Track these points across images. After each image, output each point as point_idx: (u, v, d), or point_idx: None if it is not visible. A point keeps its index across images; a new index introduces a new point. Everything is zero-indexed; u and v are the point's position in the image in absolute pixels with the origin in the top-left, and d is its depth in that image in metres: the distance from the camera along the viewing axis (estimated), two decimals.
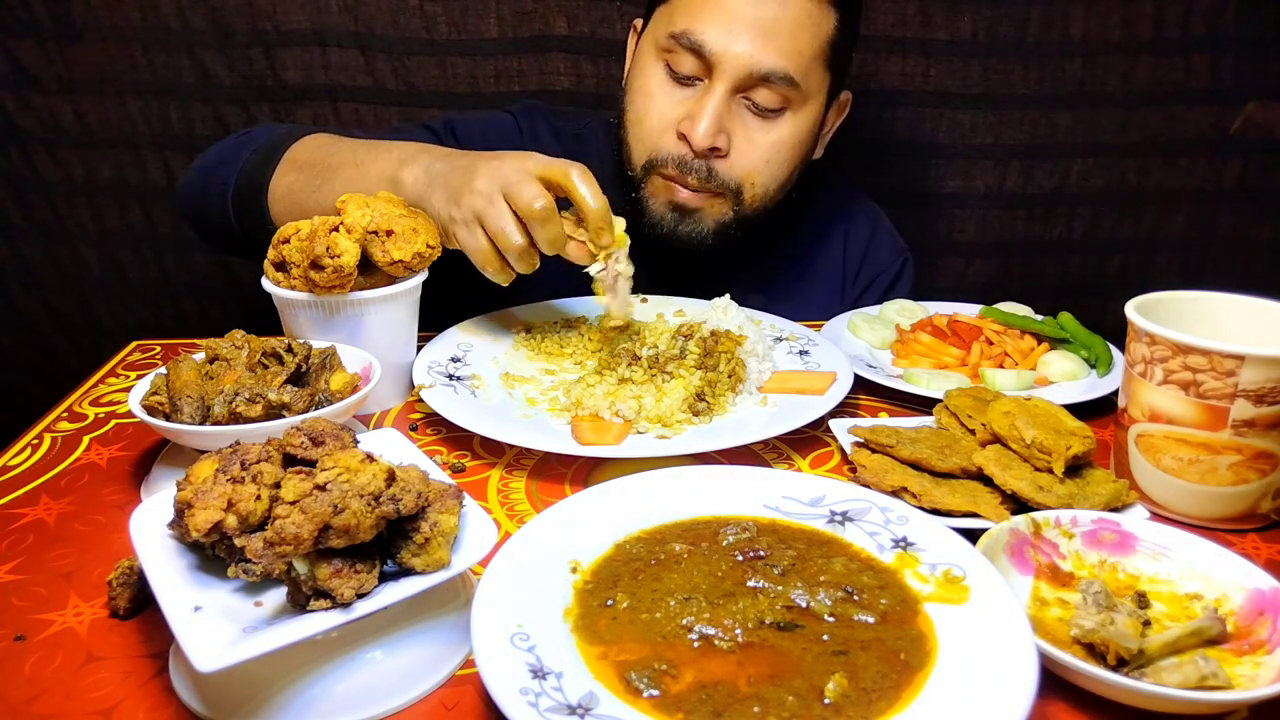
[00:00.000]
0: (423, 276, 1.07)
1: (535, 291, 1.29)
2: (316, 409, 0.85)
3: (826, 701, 0.57)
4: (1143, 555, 0.77)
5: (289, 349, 0.91)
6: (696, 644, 0.63)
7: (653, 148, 1.30)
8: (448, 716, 0.63)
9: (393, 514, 0.59)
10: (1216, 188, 1.91)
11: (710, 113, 1.24)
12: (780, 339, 1.23)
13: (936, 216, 1.94)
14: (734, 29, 1.22)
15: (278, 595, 0.63)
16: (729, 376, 1.06)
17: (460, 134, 1.42)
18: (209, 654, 0.53)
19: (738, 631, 0.63)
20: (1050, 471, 0.85)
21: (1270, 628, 0.68)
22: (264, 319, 1.11)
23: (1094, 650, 0.67)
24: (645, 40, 1.34)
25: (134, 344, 1.29)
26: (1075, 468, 0.87)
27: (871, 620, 0.65)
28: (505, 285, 1.09)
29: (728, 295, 1.23)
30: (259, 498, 0.60)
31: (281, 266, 1.02)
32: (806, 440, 1.03)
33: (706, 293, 1.29)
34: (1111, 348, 1.20)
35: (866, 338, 1.29)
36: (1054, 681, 0.65)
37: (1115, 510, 0.84)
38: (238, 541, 0.58)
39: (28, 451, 0.98)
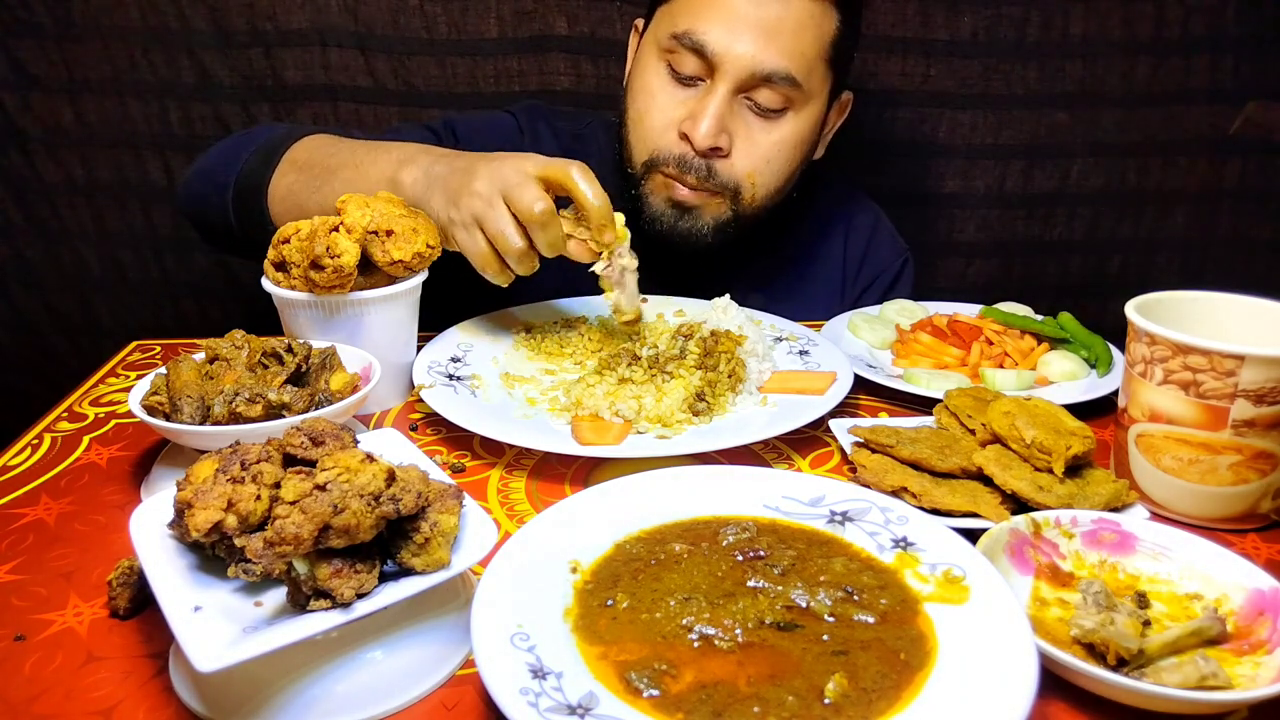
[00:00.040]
0: (423, 276, 1.07)
1: (535, 291, 1.29)
2: (316, 409, 0.85)
3: (826, 701, 0.57)
4: (1143, 555, 0.77)
5: (289, 349, 0.91)
6: (696, 644, 0.63)
7: (654, 147, 1.30)
8: (448, 716, 0.63)
9: (393, 514, 0.59)
10: (1216, 188, 1.91)
11: (712, 113, 1.24)
12: (780, 339, 1.23)
13: (936, 216, 1.94)
14: (736, 29, 1.22)
15: (278, 595, 0.63)
16: (729, 376, 1.06)
17: (460, 134, 1.42)
18: (209, 654, 0.53)
19: (738, 631, 0.63)
20: (1050, 471, 0.85)
21: (1270, 628, 0.68)
22: (264, 319, 1.11)
23: (1094, 650, 0.67)
24: (647, 40, 1.34)
25: (134, 344, 1.29)
26: (1075, 468, 0.87)
27: (871, 620, 0.65)
28: (504, 286, 1.09)
29: (728, 295, 1.23)
30: (259, 498, 0.60)
31: (281, 266, 1.02)
32: (806, 440, 1.03)
33: (706, 293, 1.29)
34: (1111, 348, 1.20)
35: (866, 338, 1.29)
36: (1054, 681, 0.65)
37: (1115, 510, 0.84)
38: (238, 541, 0.58)
39: (28, 451, 0.98)
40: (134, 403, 0.86)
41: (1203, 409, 0.83)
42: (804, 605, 0.66)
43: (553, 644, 0.61)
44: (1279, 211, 1.92)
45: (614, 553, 0.72)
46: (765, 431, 0.96)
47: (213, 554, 0.64)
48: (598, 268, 1.10)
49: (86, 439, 1.01)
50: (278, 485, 0.60)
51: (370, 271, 1.03)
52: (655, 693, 0.58)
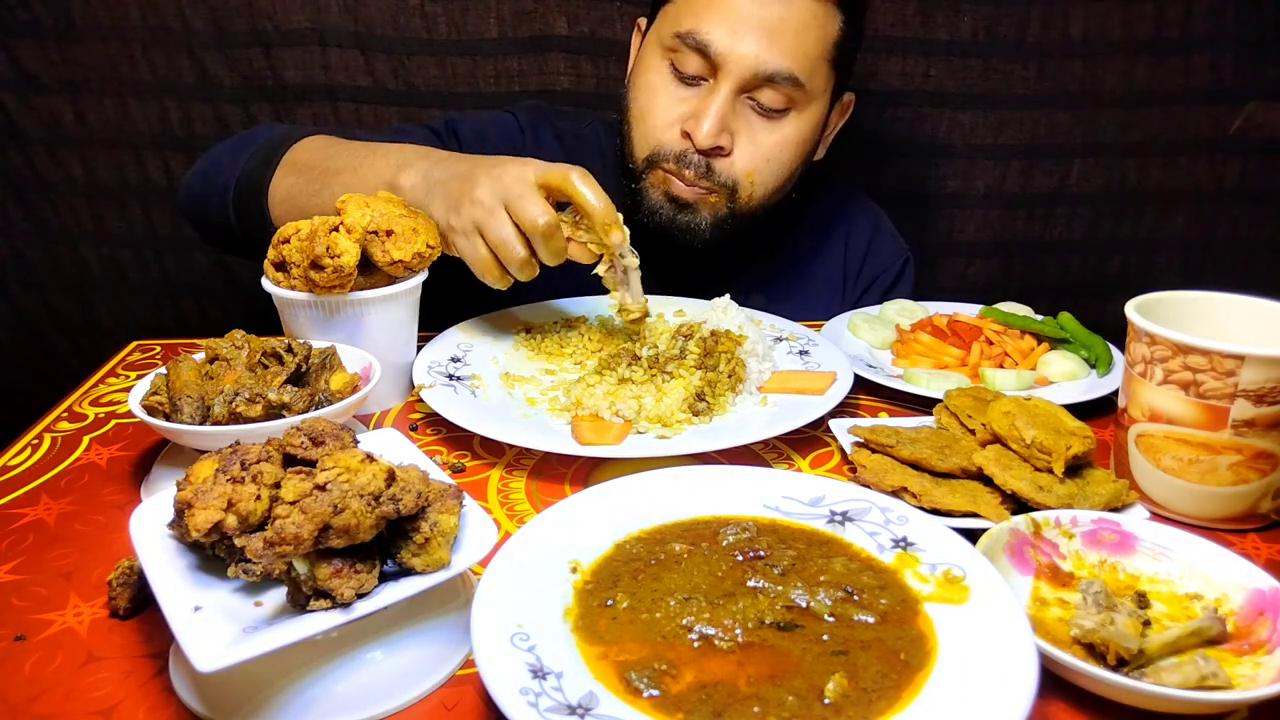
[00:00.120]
0: (423, 276, 1.07)
1: (535, 291, 1.29)
2: (316, 409, 0.85)
3: (826, 701, 0.57)
4: (1143, 555, 0.77)
5: (289, 349, 0.91)
6: (696, 644, 0.63)
7: (655, 144, 1.30)
8: (448, 716, 0.63)
9: (393, 514, 0.59)
10: (1216, 188, 1.91)
11: (715, 112, 1.24)
12: (780, 339, 1.23)
13: (936, 216, 1.94)
14: (740, 29, 1.22)
15: (278, 595, 0.63)
16: (729, 376, 1.06)
17: (462, 134, 1.42)
18: (209, 654, 0.53)
19: (738, 631, 0.63)
20: (1050, 471, 0.85)
21: (1270, 628, 0.68)
22: (264, 319, 1.11)
23: (1094, 650, 0.67)
24: (650, 39, 1.34)
25: (134, 344, 1.29)
26: (1075, 468, 0.87)
27: (871, 620, 0.65)
28: (504, 290, 1.10)
29: (728, 295, 1.23)
30: (259, 498, 0.60)
31: (281, 266, 1.02)
32: (806, 440, 1.03)
33: (706, 292, 1.29)
34: (1111, 348, 1.20)
35: (866, 338, 1.29)
36: (1054, 681, 0.65)
37: (1115, 510, 0.84)
38: (238, 541, 0.58)
39: (28, 451, 0.98)
40: (134, 403, 0.86)
41: (1203, 409, 0.83)
42: (804, 605, 0.66)
43: (553, 644, 0.61)
44: (1279, 211, 1.92)
45: (614, 553, 0.72)
46: (765, 431, 0.96)
47: (213, 554, 0.64)
48: (600, 269, 1.10)
49: (86, 439, 1.01)
50: (278, 485, 0.60)
51: (370, 271, 1.03)
52: (655, 693, 0.58)
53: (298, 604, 0.60)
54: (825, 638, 0.63)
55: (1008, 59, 1.80)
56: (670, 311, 1.31)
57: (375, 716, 0.62)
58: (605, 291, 1.14)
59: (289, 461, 0.64)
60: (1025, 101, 1.83)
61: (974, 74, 1.81)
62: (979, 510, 0.82)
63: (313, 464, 0.63)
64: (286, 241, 1.01)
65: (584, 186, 1.02)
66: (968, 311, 1.34)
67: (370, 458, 0.61)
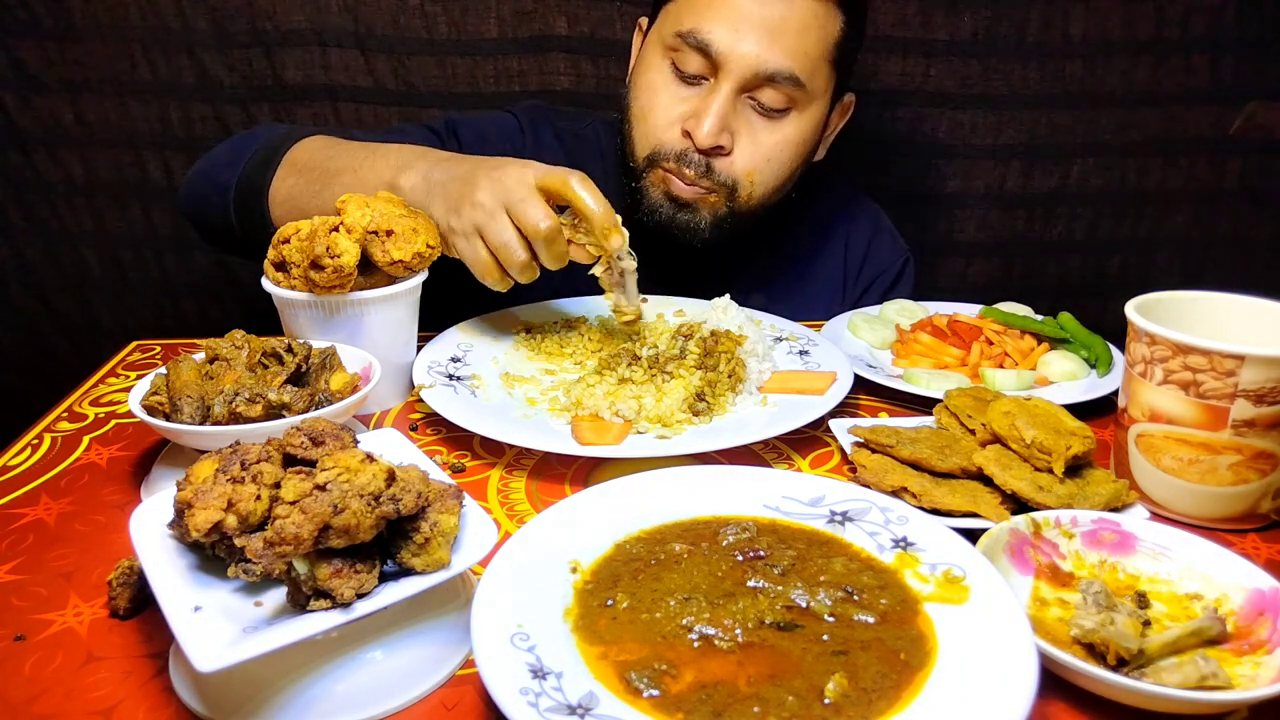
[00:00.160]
0: (423, 276, 1.07)
1: (535, 291, 1.29)
2: (316, 409, 0.85)
3: (826, 701, 0.57)
4: (1143, 555, 0.77)
5: (289, 349, 0.91)
6: (696, 644, 0.63)
7: (656, 143, 1.30)
8: (448, 716, 0.63)
9: (393, 514, 0.59)
10: (1216, 188, 1.91)
11: (716, 112, 1.24)
12: (780, 339, 1.23)
13: (936, 216, 1.94)
14: (741, 29, 1.22)
15: (278, 595, 0.63)
16: (729, 376, 1.06)
17: (462, 134, 1.42)
18: (209, 654, 0.53)
19: (738, 631, 0.63)
20: (1050, 471, 0.85)
21: (1270, 628, 0.68)
22: (264, 319, 1.11)
23: (1094, 650, 0.67)
24: (651, 38, 1.34)
25: (134, 344, 1.29)
26: (1075, 468, 0.87)
27: (871, 620, 0.65)
28: (504, 292, 1.10)
29: (728, 295, 1.23)
30: (259, 498, 0.60)
31: (281, 266, 1.02)
32: (806, 440, 1.03)
33: (706, 293, 1.29)
34: (1111, 348, 1.20)
35: (866, 338, 1.29)
36: (1054, 681, 0.65)
37: (1115, 510, 0.84)
38: (238, 541, 0.58)
39: (28, 451, 0.98)
40: (134, 403, 0.86)
41: (1203, 409, 0.83)
42: (804, 605, 0.66)
43: (553, 644, 0.61)
44: (1279, 211, 1.92)
45: (614, 553, 0.72)
46: (765, 431, 0.96)
47: (213, 554, 0.64)
48: (597, 270, 1.10)
49: (86, 439, 1.01)
50: (278, 485, 0.60)
51: (370, 271, 1.03)
52: (655, 693, 0.58)
53: (298, 604, 0.60)
54: (825, 638, 0.63)
55: (1008, 59, 1.80)
56: (670, 311, 1.31)
57: (375, 716, 0.62)
58: (604, 291, 1.14)
59: (289, 461, 0.64)
60: (1025, 101, 1.83)
61: (974, 74, 1.81)
62: (979, 510, 0.82)
63: (313, 464, 0.63)
64: (286, 241, 1.01)
65: (583, 191, 1.02)
66: (968, 311, 1.34)
67: (370, 458, 0.61)
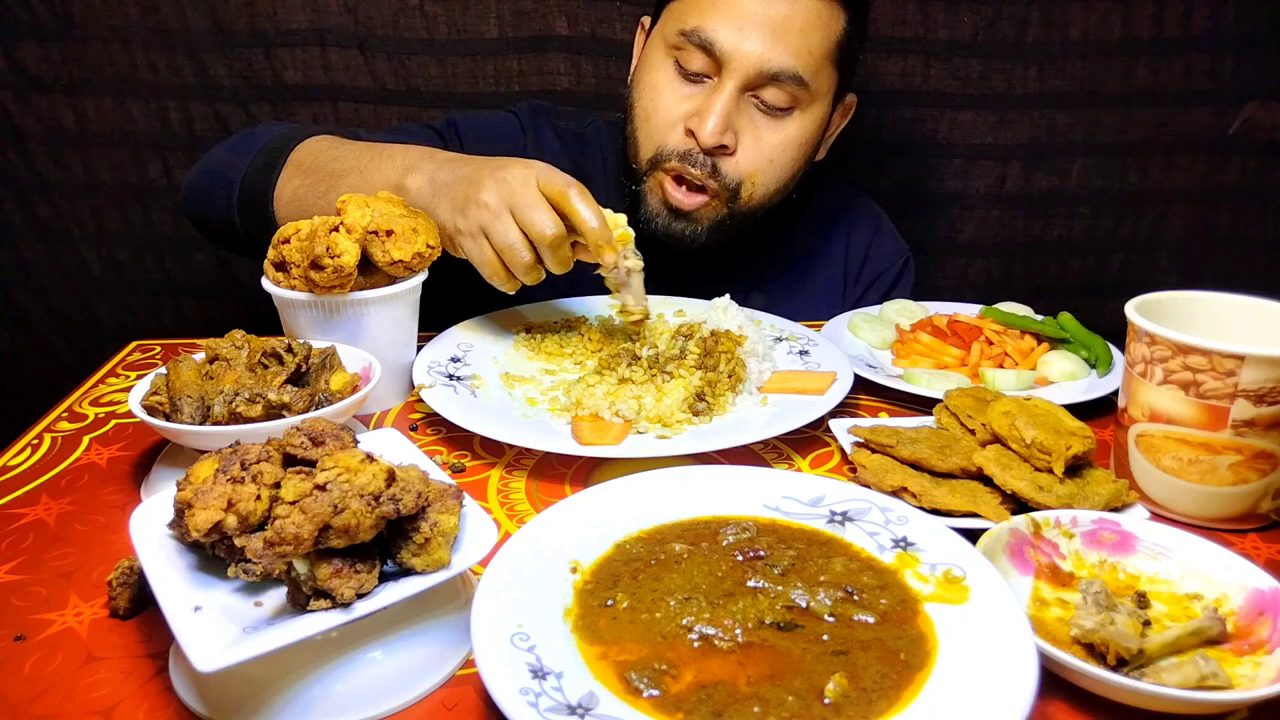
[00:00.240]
0: (423, 276, 1.07)
1: (536, 291, 1.29)
2: (316, 409, 0.85)
3: (826, 701, 0.57)
4: (1143, 555, 0.77)
5: (289, 349, 0.91)
6: (696, 644, 0.63)
7: (660, 142, 1.30)
8: (448, 716, 0.63)
9: (393, 514, 0.59)
10: (1216, 188, 1.91)
11: (719, 110, 1.24)
12: (780, 339, 1.23)
13: (936, 216, 1.94)
14: (745, 27, 1.22)
15: (278, 595, 0.63)
16: (729, 376, 1.06)
17: (464, 133, 1.42)
18: (209, 654, 0.53)
19: (738, 631, 0.63)
20: (1050, 471, 0.85)
21: (1270, 628, 0.68)
22: (264, 319, 1.11)
23: (1094, 650, 0.67)
24: (654, 37, 1.34)
25: (134, 344, 1.29)
26: (1075, 468, 0.87)
27: (871, 620, 0.65)
28: (512, 294, 1.10)
29: (728, 295, 1.23)
30: (259, 498, 0.60)
31: (281, 266, 1.02)
32: (806, 440, 1.03)
33: (706, 293, 1.29)
34: (1111, 348, 1.20)
35: (866, 338, 1.29)
36: (1054, 681, 0.65)
37: (1115, 510, 0.84)
38: (238, 541, 0.58)
39: (28, 451, 0.98)
40: (134, 403, 0.86)
41: (1203, 409, 0.83)
42: (804, 605, 0.66)
43: (553, 644, 0.61)
44: (1279, 211, 1.92)
45: (614, 553, 0.72)
46: (765, 431, 0.96)
47: (213, 554, 0.64)
48: (604, 270, 1.10)
49: (86, 439, 1.01)
50: (278, 485, 0.60)
51: (370, 271, 1.03)
52: (655, 693, 0.58)
53: (298, 604, 0.60)
54: (825, 638, 0.63)
55: (1008, 59, 1.80)
56: (670, 311, 1.31)
57: (375, 716, 0.62)
58: (606, 291, 1.14)
59: (289, 461, 0.64)
60: (1025, 101, 1.83)
61: (974, 74, 1.81)
62: (979, 510, 0.82)
63: (313, 464, 0.63)
64: (286, 241, 1.01)
65: (580, 205, 1.02)
66: (968, 311, 1.34)
67: (370, 458, 0.61)
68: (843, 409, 1.07)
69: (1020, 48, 1.79)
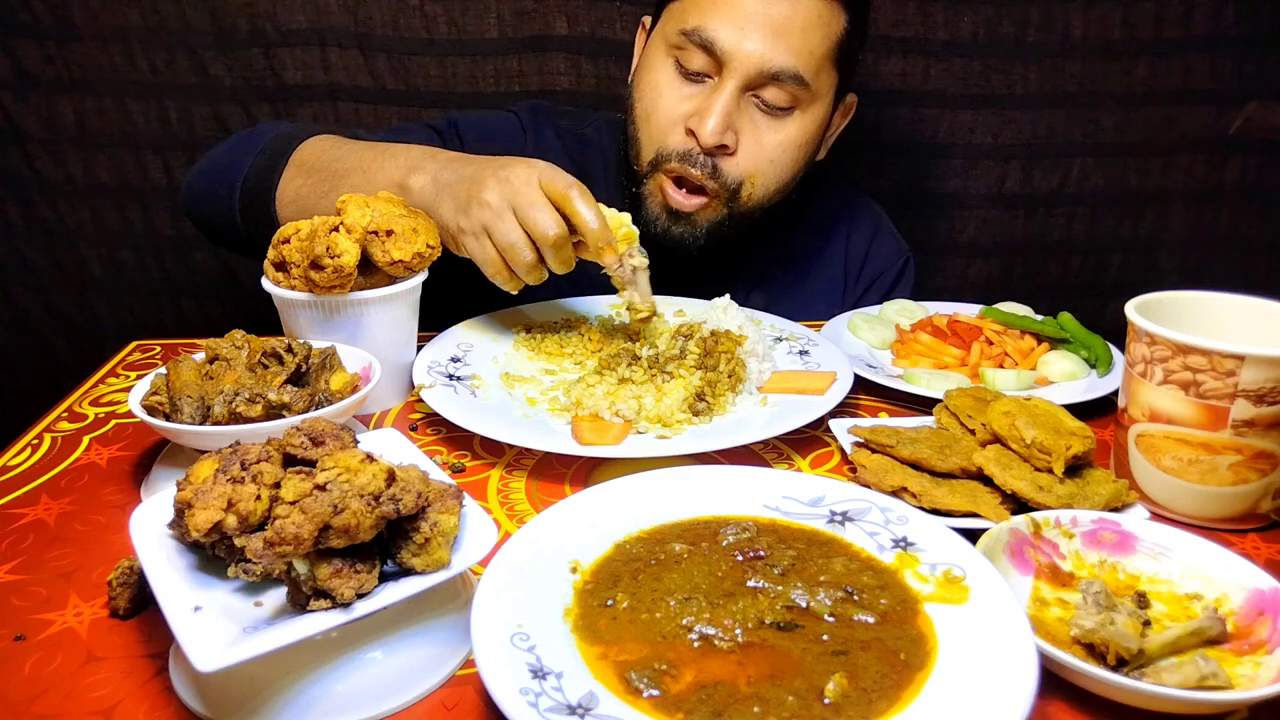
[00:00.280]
0: (423, 276, 1.07)
1: (536, 291, 1.29)
2: (316, 409, 0.85)
3: (826, 701, 0.57)
4: (1143, 555, 0.77)
5: (289, 349, 0.91)
6: (696, 644, 0.63)
7: (660, 143, 1.30)
8: (448, 716, 0.63)
9: (393, 514, 0.59)
10: (1216, 188, 1.91)
11: (719, 110, 1.24)
12: (780, 339, 1.23)
13: (936, 216, 1.94)
14: (745, 27, 1.22)
15: (278, 595, 0.63)
16: (729, 376, 1.06)
17: (464, 133, 1.42)
18: (209, 654, 0.53)
19: (738, 631, 0.63)
20: (1050, 471, 0.85)
21: (1270, 628, 0.68)
22: (264, 319, 1.11)
23: (1094, 650, 0.67)
24: (655, 37, 1.34)
25: (134, 344, 1.29)
26: (1075, 468, 0.87)
27: (871, 620, 0.65)
28: (514, 294, 1.10)
29: (728, 295, 1.23)
30: (259, 498, 0.60)
31: (281, 266, 1.02)
32: (806, 440, 1.03)
33: (706, 293, 1.29)
34: (1111, 348, 1.20)
35: (866, 338, 1.29)
36: (1054, 681, 0.65)
37: (1115, 510, 0.84)
38: (238, 541, 0.58)
39: (28, 451, 0.98)
40: (134, 403, 0.86)
41: (1203, 409, 0.83)
42: (804, 605, 0.66)
43: (553, 644, 0.61)
44: (1279, 211, 1.92)
45: (614, 553, 0.72)
46: (765, 431, 0.96)
47: (213, 554, 0.64)
48: (610, 268, 1.10)
49: (86, 439, 1.01)
50: (278, 485, 0.60)
51: (370, 271, 1.03)
52: (655, 693, 0.58)
53: (298, 604, 0.60)
54: (825, 638, 0.63)
55: (1008, 59, 1.80)
56: (670, 311, 1.31)
57: (375, 716, 0.62)
58: (605, 291, 1.14)
59: (289, 461, 0.64)
60: (1025, 101, 1.83)
61: (974, 74, 1.81)
62: (979, 510, 0.82)
63: (313, 464, 0.63)
64: (286, 241, 1.01)
65: (582, 207, 1.03)
66: (968, 311, 1.34)
67: (370, 458, 0.61)
68: (843, 409, 1.07)
69: (1020, 48, 1.79)
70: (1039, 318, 1.29)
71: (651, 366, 1.07)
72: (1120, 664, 0.66)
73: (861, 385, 1.14)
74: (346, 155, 1.19)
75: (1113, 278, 1.99)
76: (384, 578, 0.61)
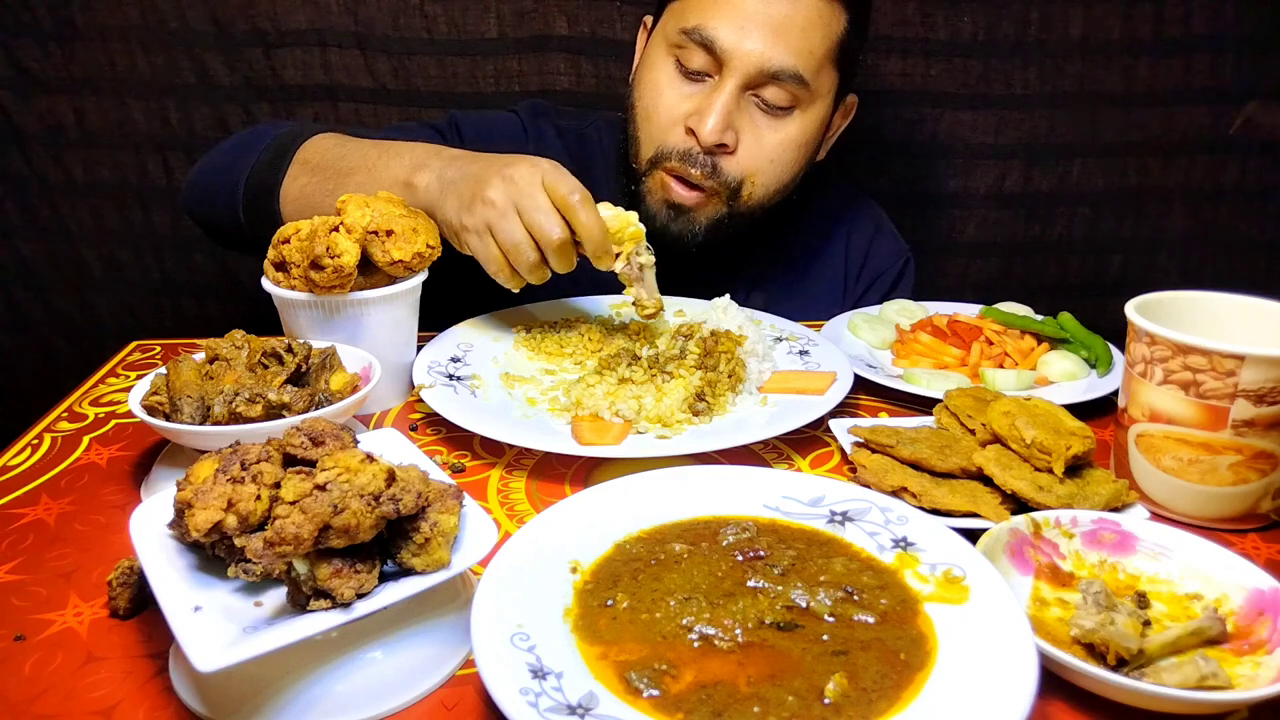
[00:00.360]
0: (423, 276, 1.07)
1: (537, 290, 1.29)
2: (316, 409, 0.85)
3: (826, 701, 0.57)
4: (1143, 555, 0.77)
5: (289, 349, 0.91)
6: (696, 644, 0.63)
7: (660, 141, 1.30)
8: (448, 716, 0.63)
9: (393, 514, 0.59)
10: (1216, 188, 1.91)
11: (719, 109, 1.24)
12: (780, 339, 1.23)
13: (936, 216, 1.93)
14: (746, 26, 1.23)
15: (278, 595, 0.63)
16: (729, 376, 1.06)
17: (465, 131, 1.43)
18: (209, 654, 0.53)
19: (738, 631, 0.63)
20: (1050, 471, 0.85)
21: (1270, 628, 0.68)
22: (264, 319, 1.11)
23: (1094, 650, 0.67)
24: (656, 36, 1.34)
25: (134, 344, 1.29)
26: (1075, 468, 0.87)
27: (871, 620, 0.65)
28: (516, 292, 1.10)
29: (728, 295, 1.23)
30: (259, 498, 0.60)
31: (281, 266, 1.02)
32: (806, 440, 1.03)
33: (706, 293, 1.29)
34: (1111, 348, 1.20)
35: (866, 338, 1.29)
36: (1054, 681, 0.65)
37: (1115, 510, 0.84)
38: (238, 541, 0.58)
39: (28, 451, 0.98)
40: (134, 403, 0.86)
41: (1203, 409, 0.83)
42: (804, 605, 0.66)
43: (553, 644, 0.61)
44: (1279, 211, 1.92)
45: (614, 553, 0.72)
46: (765, 431, 0.96)
47: (213, 554, 0.64)
48: (617, 266, 1.11)
49: (86, 439, 1.01)
50: (278, 485, 0.60)
51: (370, 271, 1.03)
52: (655, 693, 0.58)
53: (298, 604, 0.60)
54: (825, 638, 0.63)
55: (1008, 59, 1.80)
56: (670, 311, 1.31)
57: (375, 716, 0.62)
58: (605, 291, 1.15)
59: (289, 461, 0.64)
60: (1025, 101, 1.83)
61: (974, 74, 1.81)
62: (979, 510, 0.82)
63: (313, 464, 0.63)
64: (286, 241, 1.01)
65: (584, 217, 1.03)
66: (968, 311, 1.34)
67: (370, 458, 0.61)
68: (843, 409, 1.07)
69: (1020, 48, 1.79)
70: (1039, 318, 1.29)
71: (651, 366, 1.07)
72: (1120, 664, 0.66)
73: (861, 385, 1.14)
74: (351, 153, 1.19)
75: (1113, 278, 1.99)
76: (384, 578, 0.61)
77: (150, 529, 0.65)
